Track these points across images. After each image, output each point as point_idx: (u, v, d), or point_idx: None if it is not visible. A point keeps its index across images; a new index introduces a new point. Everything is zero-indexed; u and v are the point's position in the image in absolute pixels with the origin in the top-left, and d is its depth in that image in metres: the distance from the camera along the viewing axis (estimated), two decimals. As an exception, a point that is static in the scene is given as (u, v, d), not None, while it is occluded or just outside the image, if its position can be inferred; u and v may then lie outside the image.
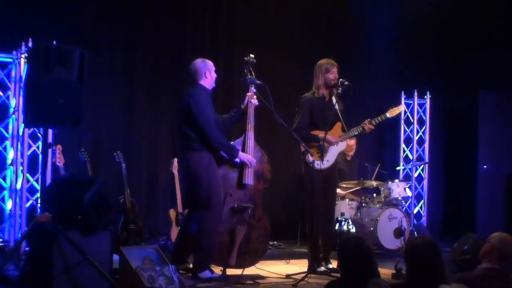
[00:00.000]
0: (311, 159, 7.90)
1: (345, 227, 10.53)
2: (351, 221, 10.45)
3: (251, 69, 8.00)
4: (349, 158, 11.34)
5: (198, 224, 7.61)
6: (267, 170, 8.19)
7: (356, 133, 8.45)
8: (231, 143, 7.85)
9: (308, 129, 8.22)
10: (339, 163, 10.75)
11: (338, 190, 10.34)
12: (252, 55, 7.99)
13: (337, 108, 8.25)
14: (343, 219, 10.55)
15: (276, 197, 11.39)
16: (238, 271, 7.71)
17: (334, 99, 8.30)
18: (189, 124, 7.64)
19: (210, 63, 7.89)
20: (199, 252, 7.67)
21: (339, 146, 8.36)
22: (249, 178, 7.89)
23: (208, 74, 7.82)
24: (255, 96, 7.95)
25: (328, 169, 8.23)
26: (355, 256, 4.70)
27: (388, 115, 8.58)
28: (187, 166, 7.81)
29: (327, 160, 8.16)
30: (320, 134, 8.10)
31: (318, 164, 7.95)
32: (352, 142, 10.86)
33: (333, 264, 8.21)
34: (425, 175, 12.78)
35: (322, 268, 8.14)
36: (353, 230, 10.39)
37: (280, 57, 11.79)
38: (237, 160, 7.81)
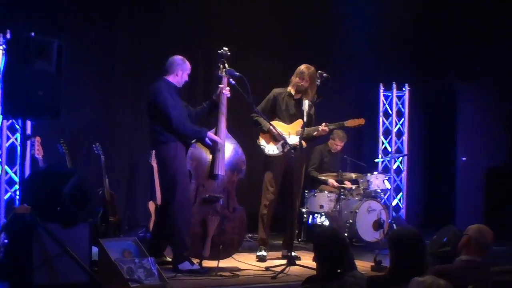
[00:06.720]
0: (262, 142, 8.68)
1: (318, 220, 10.52)
2: (325, 214, 10.45)
3: (225, 61, 8.00)
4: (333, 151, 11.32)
5: (169, 215, 7.60)
6: (242, 161, 8.15)
7: (313, 133, 8.76)
8: None
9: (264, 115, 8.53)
10: (324, 156, 10.95)
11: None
12: (225, 48, 8.00)
13: (304, 109, 8.48)
14: (316, 213, 10.55)
15: (256, 189, 11.38)
16: (216, 263, 7.64)
17: (306, 102, 8.53)
18: (154, 118, 7.68)
19: (188, 65, 7.86)
20: (173, 243, 7.69)
21: (290, 138, 8.58)
22: (220, 168, 7.84)
23: (180, 73, 7.78)
24: (227, 88, 7.95)
25: (283, 157, 8.58)
26: (330, 248, 4.72)
27: (346, 124, 8.92)
28: (156, 159, 8.03)
29: (277, 148, 8.65)
30: (278, 124, 8.61)
31: (268, 150, 8.66)
32: (339, 142, 11.14)
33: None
34: (403, 167, 12.83)
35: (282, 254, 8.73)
36: (326, 223, 10.39)
37: (259, 50, 11.76)
38: (208, 141, 7.77)
